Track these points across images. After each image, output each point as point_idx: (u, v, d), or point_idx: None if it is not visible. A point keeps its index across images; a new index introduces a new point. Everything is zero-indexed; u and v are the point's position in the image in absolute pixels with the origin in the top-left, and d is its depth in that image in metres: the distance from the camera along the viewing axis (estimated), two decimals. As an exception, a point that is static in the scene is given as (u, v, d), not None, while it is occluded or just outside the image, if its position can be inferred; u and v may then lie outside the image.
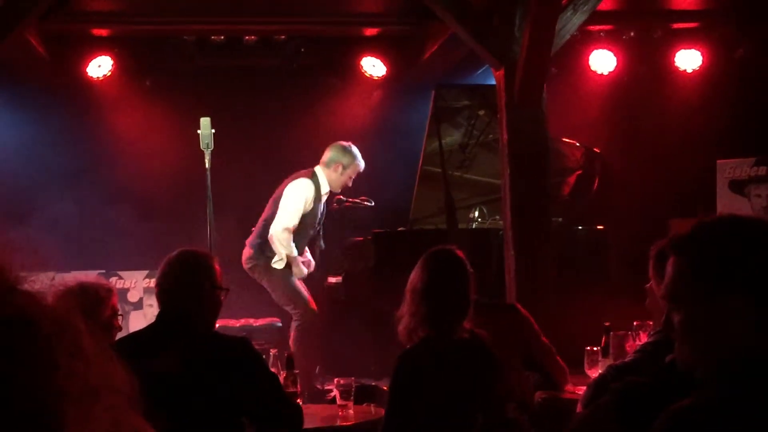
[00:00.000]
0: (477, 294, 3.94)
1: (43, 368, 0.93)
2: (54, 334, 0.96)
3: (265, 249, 6.98)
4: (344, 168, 7.05)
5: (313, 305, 6.98)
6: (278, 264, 7.01)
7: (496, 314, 4.50)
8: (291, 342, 6.85)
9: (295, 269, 6.98)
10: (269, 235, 6.93)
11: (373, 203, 7.45)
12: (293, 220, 6.93)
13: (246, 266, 7.02)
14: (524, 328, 4.59)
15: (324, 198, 7.15)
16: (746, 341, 1.73)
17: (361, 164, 7.12)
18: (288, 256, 6.95)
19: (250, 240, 7.08)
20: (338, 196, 7.42)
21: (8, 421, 0.90)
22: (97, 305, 3.78)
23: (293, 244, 6.98)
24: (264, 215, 7.06)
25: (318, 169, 7.09)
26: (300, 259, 7.01)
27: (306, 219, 6.98)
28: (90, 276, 4.79)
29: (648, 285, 4.31)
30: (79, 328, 0.99)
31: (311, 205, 7.01)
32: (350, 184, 7.19)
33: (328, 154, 7.09)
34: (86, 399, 0.95)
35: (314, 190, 7.01)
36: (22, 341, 0.94)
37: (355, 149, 7.13)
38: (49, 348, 0.94)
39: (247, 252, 7.05)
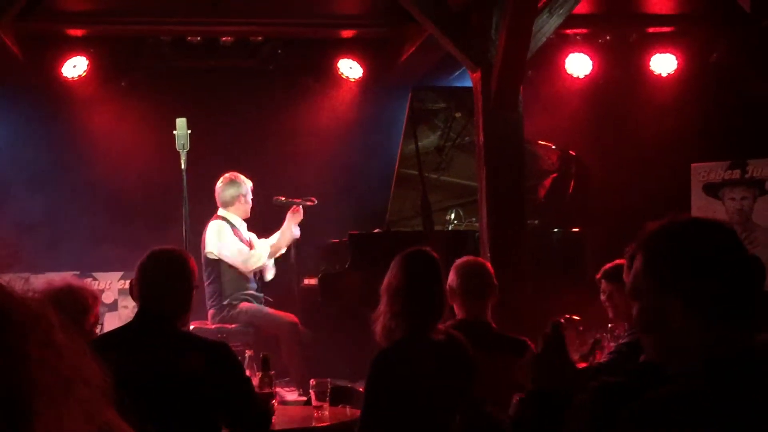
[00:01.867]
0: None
1: (13, 358, 0.92)
2: (24, 323, 0.95)
3: (222, 300, 7.05)
4: (245, 197, 7.19)
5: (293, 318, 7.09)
6: (270, 274, 7.31)
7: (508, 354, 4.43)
8: (290, 356, 6.91)
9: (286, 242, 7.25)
10: (251, 273, 7.14)
11: (316, 201, 7.41)
12: (236, 247, 7.06)
13: (216, 324, 7.05)
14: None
15: (244, 228, 7.26)
16: (684, 341, 1.84)
17: (250, 182, 7.25)
18: (270, 255, 7.22)
19: (208, 305, 7.11)
20: (277, 197, 7.40)
21: None
22: (83, 311, 3.76)
23: (260, 251, 7.14)
24: (204, 279, 7.05)
25: (221, 212, 7.19)
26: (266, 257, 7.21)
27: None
28: (80, 280, 4.76)
29: (598, 276, 4.37)
30: (50, 319, 0.98)
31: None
32: (251, 203, 7.25)
33: (223, 195, 7.20)
34: (58, 391, 0.94)
35: (227, 226, 7.09)
36: None
37: (237, 175, 7.23)
38: (20, 338, 0.93)
39: (210, 313, 7.11)
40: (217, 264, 7.05)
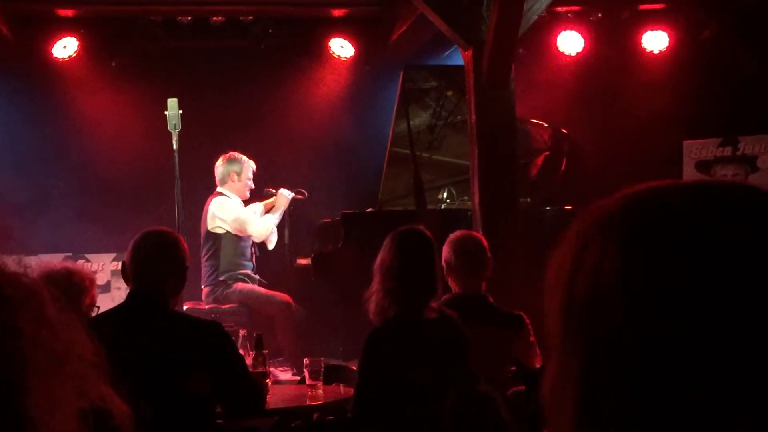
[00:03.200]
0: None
1: (6, 335, 0.93)
2: (17, 299, 0.95)
3: (218, 276, 7.07)
4: (238, 175, 7.17)
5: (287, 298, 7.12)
6: (273, 242, 7.28)
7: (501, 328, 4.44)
8: (284, 335, 6.93)
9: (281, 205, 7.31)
10: (258, 240, 7.16)
11: (306, 195, 7.43)
12: (247, 216, 7.10)
13: (210, 303, 7.06)
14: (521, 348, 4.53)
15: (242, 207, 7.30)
16: None
17: (251, 164, 7.25)
18: (275, 215, 7.27)
19: (203, 283, 7.13)
20: (268, 189, 7.41)
21: None
22: (80, 292, 3.78)
23: (262, 222, 7.15)
24: (202, 253, 7.10)
25: (219, 189, 7.20)
26: (271, 217, 7.27)
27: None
28: (77, 264, 4.78)
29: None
30: (43, 296, 0.99)
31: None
32: (252, 186, 7.25)
33: (218, 172, 7.21)
34: (51, 366, 0.95)
35: (229, 199, 7.13)
36: None
37: (235, 154, 7.23)
38: (13, 314, 0.94)
39: (205, 291, 7.13)
40: (218, 239, 7.06)
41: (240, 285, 7.06)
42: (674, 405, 0.79)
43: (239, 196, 7.20)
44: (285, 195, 7.31)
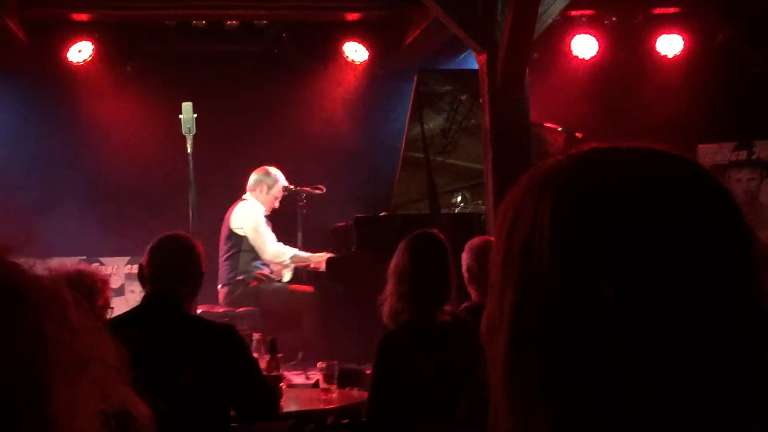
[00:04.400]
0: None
1: (30, 337, 0.93)
2: (41, 303, 0.96)
3: (237, 275, 7.14)
4: (269, 188, 7.31)
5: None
6: (287, 275, 7.34)
7: None
8: (311, 328, 7.04)
9: (302, 262, 7.32)
10: (267, 260, 7.23)
11: (324, 190, 7.48)
12: (270, 235, 7.21)
13: (225, 305, 7.13)
14: None
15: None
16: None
17: (284, 183, 7.38)
18: (293, 258, 7.27)
19: (221, 283, 7.20)
20: (286, 185, 7.47)
21: None
22: (92, 294, 3.80)
23: (286, 250, 7.28)
24: (221, 253, 7.20)
25: (247, 196, 7.33)
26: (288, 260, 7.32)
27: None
28: (90, 266, 4.81)
29: None
30: (66, 298, 0.99)
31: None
32: (277, 205, 7.39)
33: (252, 179, 7.36)
34: (74, 369, 0.96)
35: (261, 208, 7.26)
36: (8, 309, 0.94)
37: (276, 171, 7.37)
38: (37, 317, 0.95)
39: (223, 292, 7.18)
40: (240, 240, 7.16)
41: (259, 284, 7.14)
42: (595, 340, 0.86)
43: (265, 208, 7.31)
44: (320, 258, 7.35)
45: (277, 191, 7.34)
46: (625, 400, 0.85)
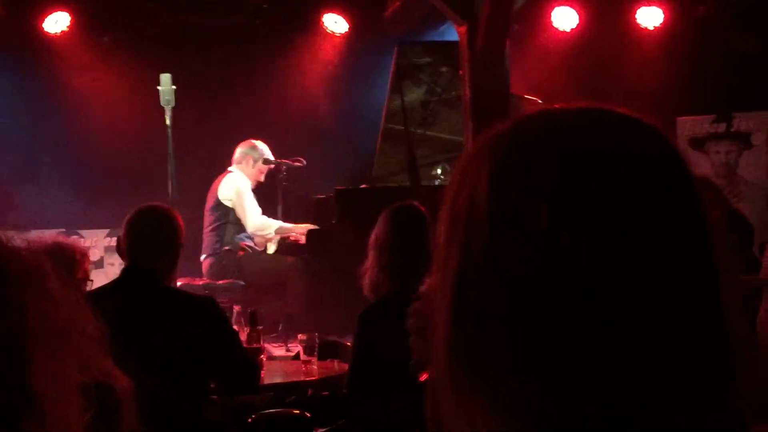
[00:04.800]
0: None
1: (11, 310, 0.93)
2: (21, 275, 0.95)
3: (223, 246, 7.15)
4: (254, 161, 7.32)
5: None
6: (271, 248, 7.33)
7: None
8: (297, 294, 7.01)
9: (283, 233, 7.30)
10: (249, 230, 7.22)
11: (305, 163, 7.48)
12: (255, 207, 7.23)
13: (209, 276, 7.13)
14: None
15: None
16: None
17: (269, 158, 7.39)
18: (277, 231, 7.26)
19: (205, 254, 7.20)
20: (266, 158, 7.47)
21: None
22: (71, 266, 3.78)
23: (271, 222, 7.28)
24: (207, 224, 7.22)
25: (232, 168, 7.33)
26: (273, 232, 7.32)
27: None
28: (68, 238, 4.78)
29: None
30: (46, 271, 0.99)
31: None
32: (262, 179, 7.40)
33: (237, 152, 7.35)
34: (54, 341, 0.95)
35: (248, 182, 7.26)
36: None
37: (262, 144, 7.37)
38: (17, 289, 0.94)
39: (207, 263, 7.17)
40: (228, 211, 7.19)
41: (245, 253, 7.19)
42: (575, 314, 0.83)
43: (251, 182, 7.32)
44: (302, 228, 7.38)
45: (261, 162, 7.36)
46: (610, 376, 0.83)
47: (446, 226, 0.93)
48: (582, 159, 0.87)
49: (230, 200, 7.18)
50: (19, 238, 1.03)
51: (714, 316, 0.86)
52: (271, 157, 7.39)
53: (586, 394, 0.83)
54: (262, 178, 7.40)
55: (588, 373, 0.83)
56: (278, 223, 7.34)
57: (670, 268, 0.85)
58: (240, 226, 7.20)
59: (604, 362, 0.83)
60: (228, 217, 7.17)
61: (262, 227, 7.26)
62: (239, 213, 7.18)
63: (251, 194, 7.25)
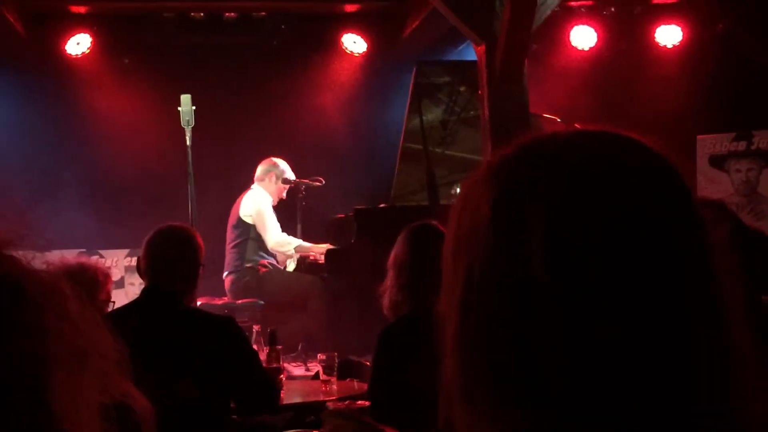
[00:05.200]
0: None
1: (31, 333, 0.93)
2: (41, 297, 0.95)
3: (245, 263, 7.21)
4: (277, 178, 7.41)
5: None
6: (291, 265, 7.42)
7: None
8: (317, 314, 7.04)
9: (302, 252, 7.38)
10: (271, 249, 7.30)
11: (324, 182, 7.51)
12: (275, 223, 7.29)
13: (231, 293, 7.19)
14: None
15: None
16: None
17: (290, 175, 7.48)
18: (297, 249, 7.34)
19: (227, 271, 7.27)
20: (285, 177, 7.51)
21: None
22: (93, 287, 3.79)
23: (291, 240, 7.35)
24: (229, 240, 7.31)
25: (255, 186, 7.43)
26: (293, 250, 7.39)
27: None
28: (91, 259, 4.81)
29: None
30: (65, 292, 0.99)
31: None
32: (284, 196, 7.50)
33: (260, 169, 7.47)
34: (74, 363, 0.95)
35: (269, 198, 7.36)
36: (8, 304, 0.93)
37: (282, 162, 7.48)
38: (37, 311, 0.94)
39: (229, 280, 7.23)
40: (249, 228, 7.25)
41: (267, 270, 7.24)
42: (534, 314, 0.88)
43: (273, 199, 7.40)
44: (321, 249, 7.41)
45: (282, 180, 7.43)
46: (551, 375, 0.87)
47: (451, 250, 0.98)
48: (583, 182, 0.91)
49: (251, 216, 7.23)
50: (38, 260, 1.04)
51: (710, 324, 0.88)
52: (292, 176, 7.43)
53: (534, 392, 0.87)
54: (283, 195, 7.46)
55: (536, 372, 0.87)
56: (298, 241, 7.38)
57: (666, 291, 0.88)
58: (261, 243, 7.24)
59: (547, 362, 0.87)
60: (249, 234, 7.22)
61: (282, 243, 7.30)
62: (260, 229, 7.22)
63: (272, 210, 7.30)
